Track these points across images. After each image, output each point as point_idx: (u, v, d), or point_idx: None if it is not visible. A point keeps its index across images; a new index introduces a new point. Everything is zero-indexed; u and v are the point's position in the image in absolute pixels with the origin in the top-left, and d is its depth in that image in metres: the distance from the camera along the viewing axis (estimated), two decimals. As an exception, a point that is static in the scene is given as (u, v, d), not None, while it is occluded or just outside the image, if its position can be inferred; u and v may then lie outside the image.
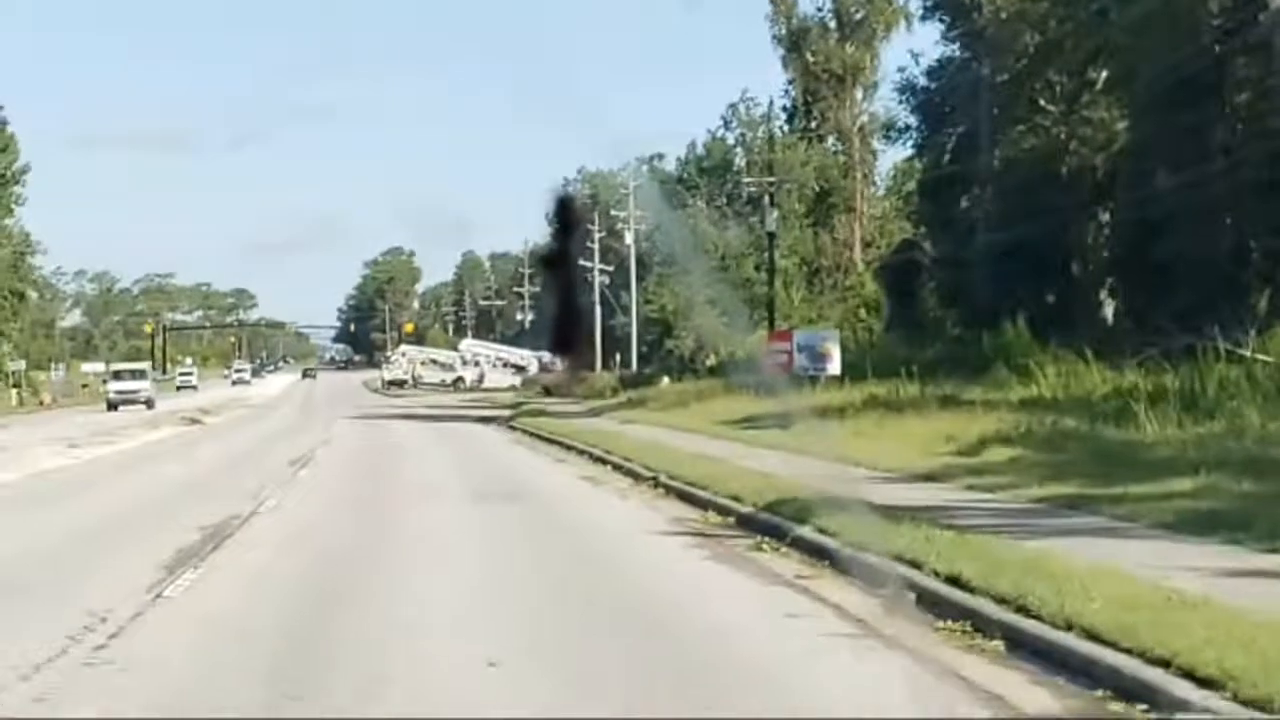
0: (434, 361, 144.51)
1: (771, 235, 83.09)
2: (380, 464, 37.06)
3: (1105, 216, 67.91)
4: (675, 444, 36.71)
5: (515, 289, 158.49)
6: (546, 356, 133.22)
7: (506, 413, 74.60)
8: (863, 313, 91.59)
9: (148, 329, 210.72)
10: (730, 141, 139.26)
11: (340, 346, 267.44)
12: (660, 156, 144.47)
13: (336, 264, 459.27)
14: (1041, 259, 68.91)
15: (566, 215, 6.14)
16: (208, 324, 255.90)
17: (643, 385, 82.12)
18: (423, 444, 46.72)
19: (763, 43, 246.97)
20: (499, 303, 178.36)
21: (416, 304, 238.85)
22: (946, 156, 78.82)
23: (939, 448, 31.25)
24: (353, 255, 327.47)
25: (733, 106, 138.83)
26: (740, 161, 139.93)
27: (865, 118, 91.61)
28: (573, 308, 6.39)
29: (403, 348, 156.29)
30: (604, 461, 35.01)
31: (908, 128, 79.94)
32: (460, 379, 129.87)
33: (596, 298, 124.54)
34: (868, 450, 31.41)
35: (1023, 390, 43.58)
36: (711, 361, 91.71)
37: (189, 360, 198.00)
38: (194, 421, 65.42)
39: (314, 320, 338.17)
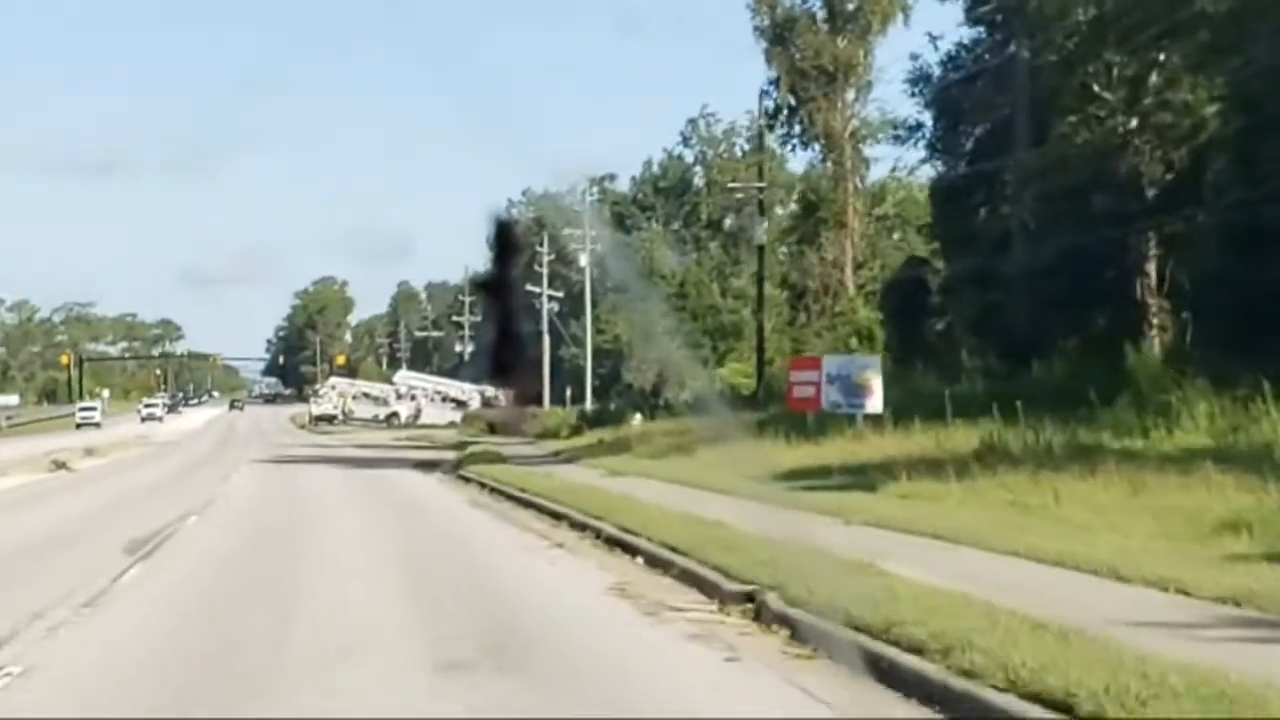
0: (366, 395, 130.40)
1: (761, 249, 69.74)
2: (272, 553, 23.08)
3: (1180, 224, 54.95)
4: (734, 520, 23.04)
5: (454, 318, 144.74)
6: (490, 390, 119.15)
7: (451, 455, 61.00)
8: (854, 342, 78.34)
9: (64, 360, 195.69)
10: (689, 159, 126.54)
11: (270, 380, 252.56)
12: (612, 177, 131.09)
13: (268, 295, 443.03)
14: (1094, 275, 56.25)
15: (506, 240, 6.15)
16: (128, 355, 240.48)
17: (608, 423, 68.50)
18: (345, 508, 32.83)
19: (723, 58, 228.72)
20: (436, 334, 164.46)
21: (349, 336, 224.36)
22: (965, 159, 65.83)
23: (1226, 542, 17.88)
24: (286, 286, 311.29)
25: (693, 122, 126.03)
26: (700, 180, 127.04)
27: (857, 121, 78.32)
28: (513, 335, 6.29)
29: (332, 380, 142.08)
30: (630, 549, 21.42)
31: (918, 126, 66.85)
32: (395, 414, 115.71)
33: (545, 326, 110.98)
34: (1093, 544, 18.01)
35: (1171, 437, 30.67)
36: (686, 396, 78.27)
37: (105, 393, 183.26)
38: (60, 466, 51.32)
39: (244, 353, 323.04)
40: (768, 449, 38.41)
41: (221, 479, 43.52)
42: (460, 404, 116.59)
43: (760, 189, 70.52)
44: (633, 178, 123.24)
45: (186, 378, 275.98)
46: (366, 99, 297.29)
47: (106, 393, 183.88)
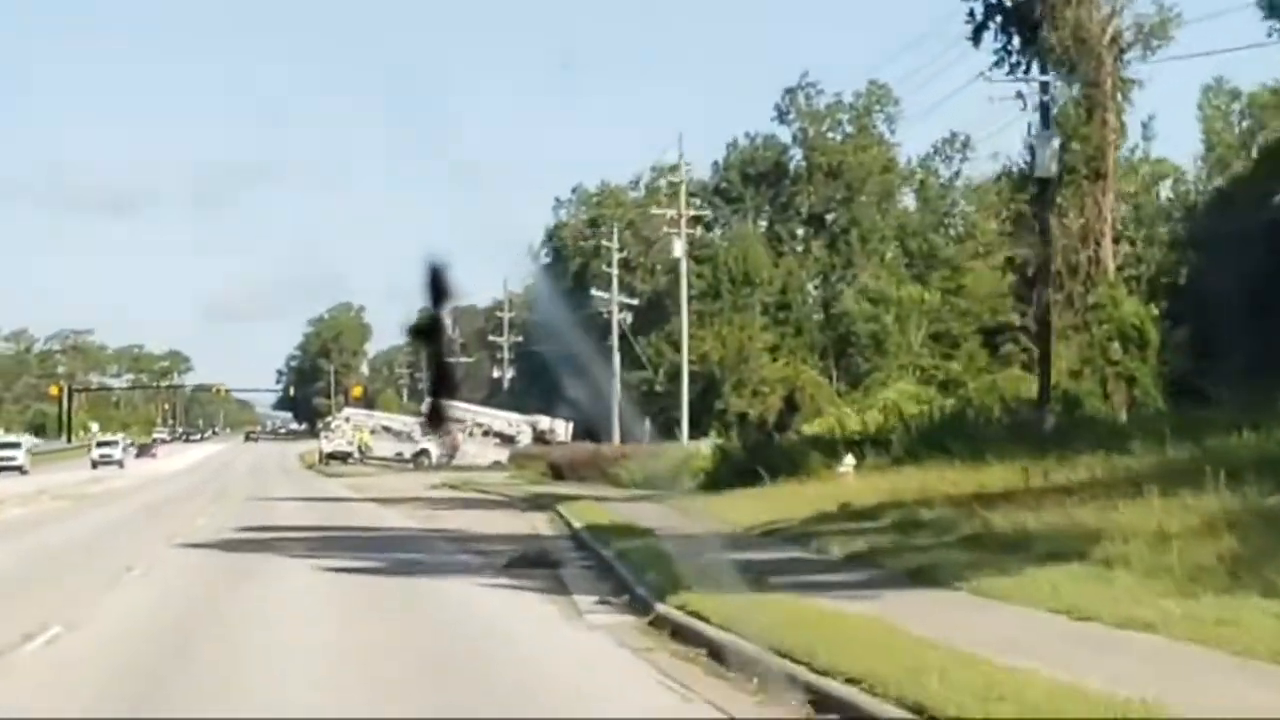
0: (386, 429, 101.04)
1: (1044, 185, 40.44)
2: None
3: None
4: None
5: (491, 337, 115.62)
6: (544, 422, 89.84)
7: (542, 523, 32.85)
8: (1115, 348, 49.53)
9: (54, 391, 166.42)
10: (788, 139, 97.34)
11: (285, 415, 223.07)
12: (686, 165, 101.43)
13: (284, 328, 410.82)
14: None
15: (440, 284, 5.53)
16: (131, 387, 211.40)
17: (776, 468, 39.30)
18: None
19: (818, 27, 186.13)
20: (465, 360, 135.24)
21: (365, 368, 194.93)
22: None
23: None
24: (301, 317, 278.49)
25: (790, 93, 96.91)
26: (799, 163, 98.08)
27: (1123, 21, 49.37)
28: (449, 380, 6.05)
29: (346, 411, 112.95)
30: None
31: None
32: (424, 452, 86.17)
33: (615, 342, 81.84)
34: None
35: None
36: (859, 426, 49.01)
37: (95, 426, 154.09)
38: None
39: (258, 386, 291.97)
40: None
41: (89, 602, 14.23)
42: (507, 439, 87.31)
43: (1044, 84, 40.93)
44: (714, 163, 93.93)
45: (196, 412, 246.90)
46: (378, 120, 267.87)
47: (96, 426, 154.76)
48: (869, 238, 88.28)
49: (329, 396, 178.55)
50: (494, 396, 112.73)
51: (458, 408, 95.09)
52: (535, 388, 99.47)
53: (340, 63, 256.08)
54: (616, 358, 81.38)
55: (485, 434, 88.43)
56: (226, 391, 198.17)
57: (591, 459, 65.06)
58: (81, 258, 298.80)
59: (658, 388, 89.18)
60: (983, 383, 54.17)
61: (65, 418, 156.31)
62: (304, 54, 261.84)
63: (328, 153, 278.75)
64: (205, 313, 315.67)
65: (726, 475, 44.25)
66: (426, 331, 5.69)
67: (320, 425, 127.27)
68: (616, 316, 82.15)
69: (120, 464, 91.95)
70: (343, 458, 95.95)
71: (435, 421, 5.92)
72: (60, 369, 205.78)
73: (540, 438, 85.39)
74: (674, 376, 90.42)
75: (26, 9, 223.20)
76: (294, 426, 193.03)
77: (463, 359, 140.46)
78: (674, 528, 29.27)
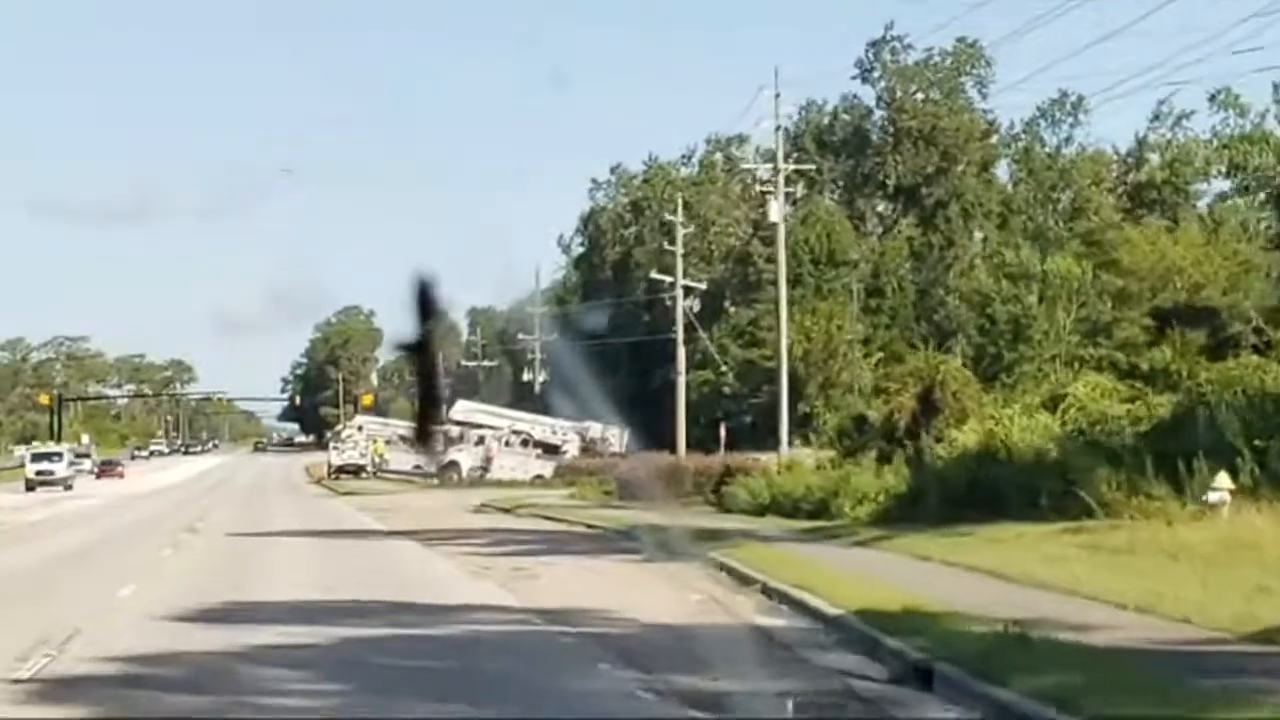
0: (404, 439, 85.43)
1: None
2: None
3: None
4: None
5: (522, 335, 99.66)
6: (595, 429, 74.13)
7: (740, 597, 19.01)
8: None
9: (44, 400, 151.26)
10: (871, 101, 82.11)
11: (292, 427, 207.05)
12: (741, 139, 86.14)
13: (290, 336, 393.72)
14: None
15: (428, 300, 5.43)
16: (124, 396, 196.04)
17: (1057, 504, 23.95)
18: None
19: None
20: (488, 363, 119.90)
21: (375, 376, 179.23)
22: None
23: None
24: (307, 325, 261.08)
25: (874, 46, 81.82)
26: (883, 129, 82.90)
27: None
28: (437, 399, 5.91)
29: (358, 420, 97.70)
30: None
31: None
32: (453, 465, 70.22)
33: (680, 334, 66.22)
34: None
35: None
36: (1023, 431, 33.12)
37: (85, 438, 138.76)
38: None
39: (264, 397, 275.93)
40: None
41: None
42: (551, 449, 71.65)
43: None
44: (785, 130, 78.21)
45: (200, 424, 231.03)
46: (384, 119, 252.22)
47: (86, 438, 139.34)
48: (973, 213, 72.83)
49: (338, 405, 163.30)
50: (524, 402, 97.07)
51: (492, 413, 79.61)
52: (570, 391, 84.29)
53: (343, 60, 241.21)
54: (681, 353, 65.96)
55: (524, 443, 72.73)
56: (229, 401, 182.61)
57: (674, 474, 49.66)
58: (82, 266, 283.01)
59: (725, 389, 73.82)
60: (1219, 374, 38.51)
61: (55, 429, 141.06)
62: (306, 55, 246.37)
63: (336, 156, 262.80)
64: (209, 321, 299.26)
65: (934, 505, 28.88)
66: (415, 347, 5.31)
67: (329, 436, 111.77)
68: (681, 304, 66.58)
69: (66, 485, 71.01)
70: (355, 471, 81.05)
71: (424, 437, 5.87)
72: (59, 379, 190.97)
73: (590, 447, 69.90)
74: (742, 376, 75.31)
75: (25, 10, 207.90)
76: (301, 438, 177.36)
77: (485, 363, 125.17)
78: (1081, 629, 13.91)
